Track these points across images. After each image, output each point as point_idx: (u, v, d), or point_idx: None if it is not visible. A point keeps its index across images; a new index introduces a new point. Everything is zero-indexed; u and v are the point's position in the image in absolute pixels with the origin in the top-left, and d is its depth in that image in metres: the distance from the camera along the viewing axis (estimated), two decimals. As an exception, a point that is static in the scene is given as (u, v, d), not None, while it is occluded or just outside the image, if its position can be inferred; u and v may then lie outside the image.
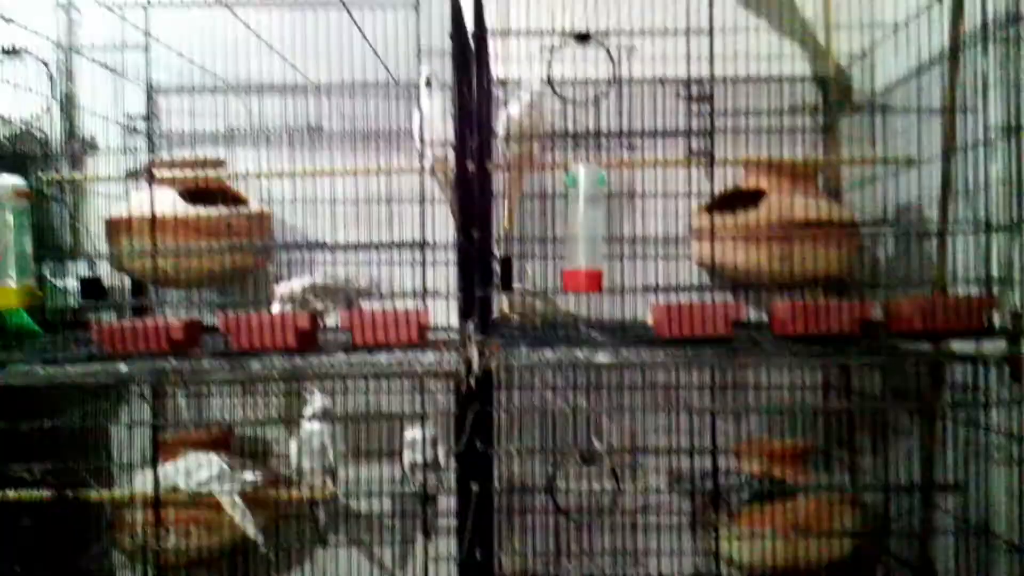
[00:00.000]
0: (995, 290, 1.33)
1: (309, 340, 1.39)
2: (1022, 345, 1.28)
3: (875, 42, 1.73)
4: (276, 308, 1.49)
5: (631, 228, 1.83)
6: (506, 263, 1.33)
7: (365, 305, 1.50)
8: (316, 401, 1.62)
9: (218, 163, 1.76)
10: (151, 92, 1.83)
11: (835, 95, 1.89)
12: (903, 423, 1.68)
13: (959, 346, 1.36)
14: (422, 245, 1.28)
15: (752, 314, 1.75)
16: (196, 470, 1.64)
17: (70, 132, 1.79)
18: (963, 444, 1.43)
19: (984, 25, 1.33)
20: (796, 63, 1.88)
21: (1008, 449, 1.29)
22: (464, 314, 1.35)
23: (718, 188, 1.76)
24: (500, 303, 1.48)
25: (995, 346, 1.31)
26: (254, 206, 1.77)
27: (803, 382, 1.86)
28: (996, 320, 1.31)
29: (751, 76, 1.83)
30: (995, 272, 1.32)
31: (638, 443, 1.81)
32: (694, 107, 1.30)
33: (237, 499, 1.62)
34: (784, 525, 1.62)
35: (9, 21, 1.32)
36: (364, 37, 1.61)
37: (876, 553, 1.74)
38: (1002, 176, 1.31)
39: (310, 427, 1.62)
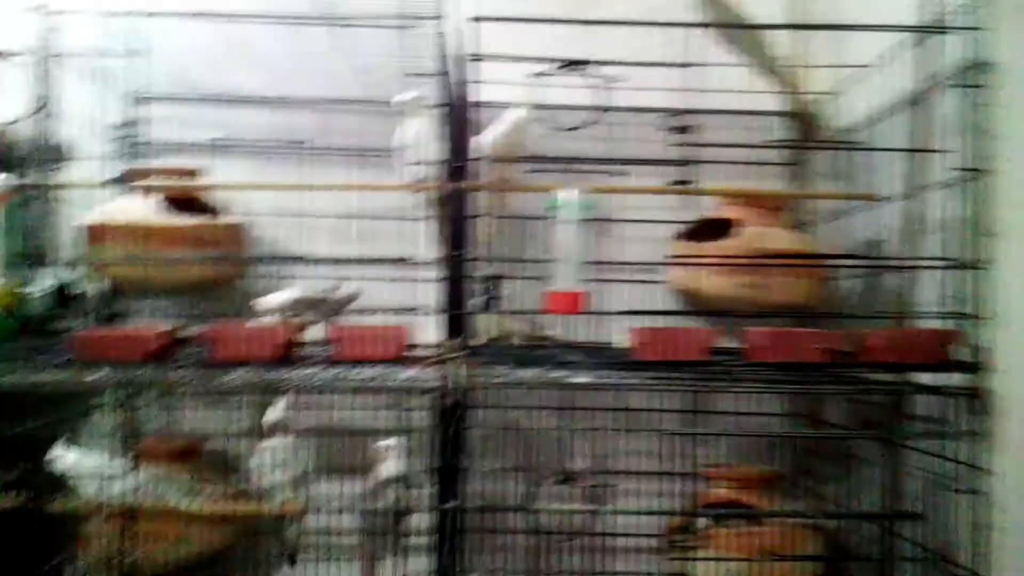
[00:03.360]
0: (959, 324, 1.38)
1: (287, 352, 1.40)
2: (983, 378, 1.33)
3: (845, 81, 1.80)
4: (264, 319, 1.49)
5: (610, 252, 1.86)
6: (490, 282, 1.34)
7: (348, 319, 1.51)
8: (274, 413, 1.61)
9: (194, 173, 1.76)
10: (135, 100, 1.82)
11: (804, 130, 1.95)
12: (868, 452, 1.72)
13: (923, 378, 1.41)
14: (405, 261, 1.30)
15: (726, 341, 1.78)
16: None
17: (51, 137, 1.77)
18: (925, 474, 1.47)
19: (956, 71, 1.39)
20: (769, 99, 1.94)
21: (968, 479, 1.34)
22: (447, 332, 1.37)
23: (693, 216, 1.81)
24: (482, 322, 1.50)
25: (957, 378, 1.36)
26: (230, 217, 1.77)
27: (773, 409, 1.90)
28: (959, 354, 1.36)
29: (727, 109, 1.89)
30: (959, 307, 1.37)
31: (611, 465, 1.83)
32: (675, 137, 1.34)
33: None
34: (749, 550, 1.65)
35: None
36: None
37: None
38: (967, 216, 1.36)
39: (270, 441, 1.61)
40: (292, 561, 1.73)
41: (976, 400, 1.34)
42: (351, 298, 1.56)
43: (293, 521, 1.68)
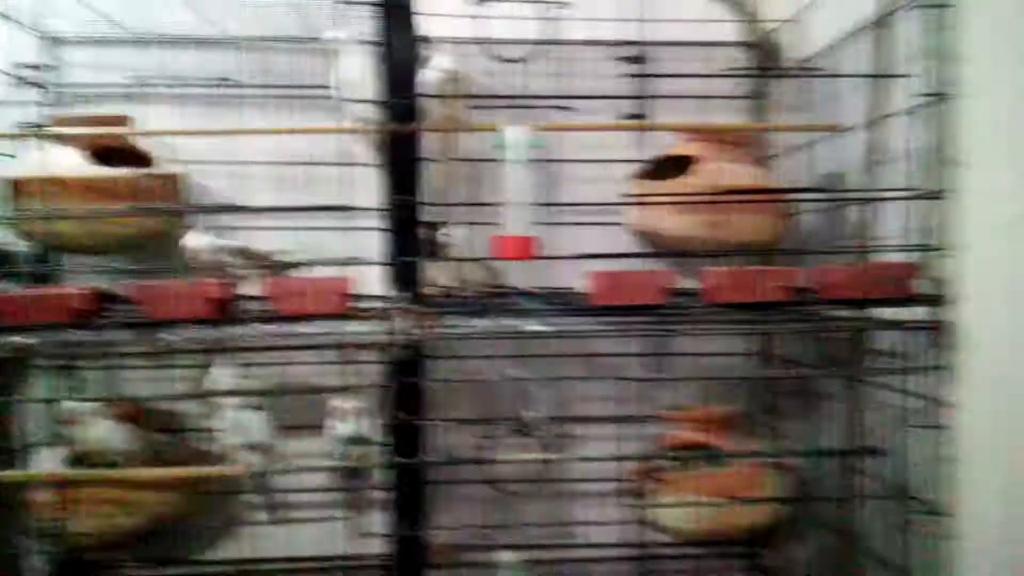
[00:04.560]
0: (922, 257, 1.35)
1: (224, 310, 1.32)
2: (945, 311, 1.30)
3: (804, 7, 1.73)
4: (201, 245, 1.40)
5: (572, 194, 1.80)
6: (435, 228, 1.27)
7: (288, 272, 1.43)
8: (219, 374, 1.54)
9: (123, 120, 1.65)
10: (52, 43, 1.69)
11: (764, 60, 1.88)
12: (830, 389, 1.70)
13: (885, 312, 1.38)
14: (346, 209, 1.22)
15: (684, 283, 1.74)
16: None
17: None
18: (888, 409, 1.45)
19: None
20: (726, 27, 1.86)
21: (931, 414, 1.32)
22: (392, 282, 1.30)
23: (651, 155, 1.74)
24: (432, 271, 1.43)
25: (919, 312, 1.33)
26: (164, 167, 1.66)
27: (734, 350, 1.87)
28: (922, 287, 1.33)
29: (682, 40, 1.81)
30: (923, 239, 1.34)
31: (574, 412, 1.79)
32: (627, 70, 1.26)
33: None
34: (712, 491, 1.63)
35: None
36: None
37: (800, 517, 1.77)
38: (930, 144, 1.31)
39: (223, 402, 1.54)
40: (274, 519, 1.69)
41: (939, 333, 1.31)
42: (298, 260, 1.49)
43: (264, 480, 1.63)
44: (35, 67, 1.36)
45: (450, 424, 1.61)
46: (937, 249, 1.31)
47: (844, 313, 1.39)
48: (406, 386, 1.36)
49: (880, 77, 1.44)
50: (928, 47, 1.31)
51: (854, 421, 1.56)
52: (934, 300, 1.31)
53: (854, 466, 1.56)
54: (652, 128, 1.44)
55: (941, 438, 1.30)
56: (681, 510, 1.64)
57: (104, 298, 1.36)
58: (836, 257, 1.57)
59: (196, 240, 1.42)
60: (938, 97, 1.29)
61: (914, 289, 1.33)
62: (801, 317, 1.33)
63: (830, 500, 1.65)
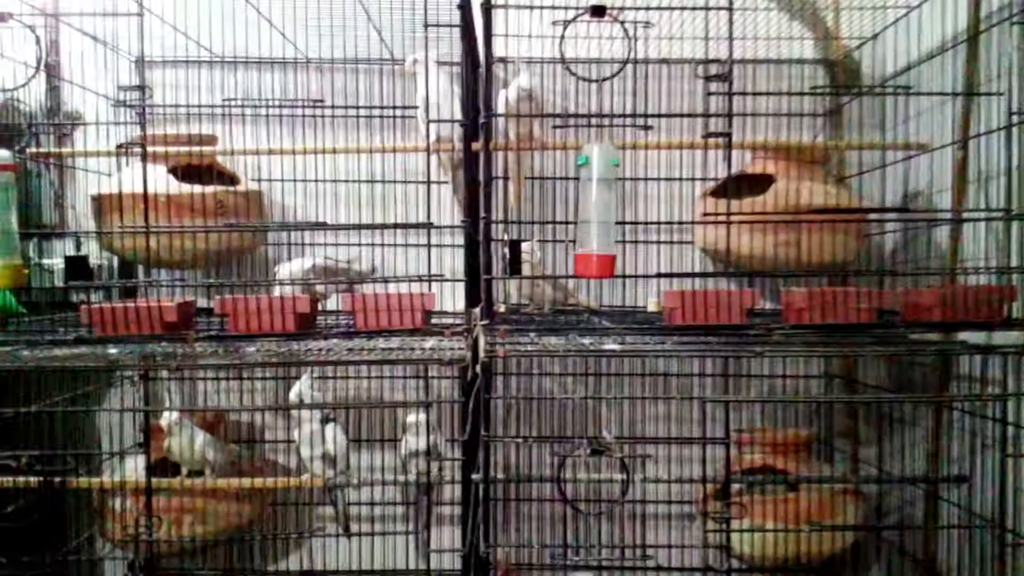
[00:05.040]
0: (1008, 280, 1.31)
1: (308, 324, 1.35)
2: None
3: (884, 25, 1.70)
4: (277, 291, 1.44)
5: (637, 212, 1.79)
6: (514, 247, 1.28)
7: (367, 289, 1.45)
8: (300, 387, 1.57)
9: (211, 139, 1.70)
10: (142, 64, 1.76)
11: (842, 78, 1.85)
12: (909, 413, 1.65)
13: (976, 337, 1.34)
14: (428, 227, 1.23)
15: (763, 302, 1.72)
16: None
17: (56, 105, 1.72)
18: (972, 436, 1.41)
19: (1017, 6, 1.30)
20: (804, 45, 1.84)
21: (1021, 442, 1.27)
22: (470, 299, 1.31)
23: (725, 172, 1.72)
24: (507, 288, 1.44)
25: (1011, 336, 1.29)
26: (247, 185, 1.71)
27: (810, 371, 1.84)
28: (1015, 311, 1.29)
29: (759, 58, 1.80)
30: (1007, 261, 1.30)
31: (643, 432, 1.78)
32: (712, 87, 1.26)
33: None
34: (786, 516, 1.59)
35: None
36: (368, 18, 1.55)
37: (879, 546, 1.72)
38: (1017, 163, 1.28)
39: (302, 415, 1.57)
40: (347, 530, 1.71)
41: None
42: (371, 268, 1.51)
43: (338, 494, 1.65)
44: (131, 89, 1.41)
45: (523, 441, 1.61)
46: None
47: (932, 336, 1.35)
48: (479, 402, 1.37)
49: (971, 95, 1.40)
50: (1021, 64, 1.28)
51: (940, 448, 1.51)
52: (1025, 324, 1.27)
53: (939, 494, 1.51)
54: (733, 147, 1.42)
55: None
56: (755, 535, 1.61)
57: (194, 311, 1.40)
58: (918, 278, 1.53)
59: (287, 269, 1.46)
60: (1027, 116, 1.26)
61: (1008, 313, 1.28)
62: (888, 340, 1.30)
63: (911, 528, 1.60)
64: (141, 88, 1.36)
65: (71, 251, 1.64)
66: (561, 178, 1.76)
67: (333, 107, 1.68)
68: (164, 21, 1.63)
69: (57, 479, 1.54)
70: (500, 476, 1.58)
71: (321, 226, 1.56)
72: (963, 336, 1.35)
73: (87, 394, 1.78)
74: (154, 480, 1.49)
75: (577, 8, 1.21)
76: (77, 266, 1.52)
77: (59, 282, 1.56)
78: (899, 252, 1.70)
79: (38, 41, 1.27)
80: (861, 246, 1.66)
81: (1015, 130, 1.29)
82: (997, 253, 1.33)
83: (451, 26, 1.27)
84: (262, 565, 1.88)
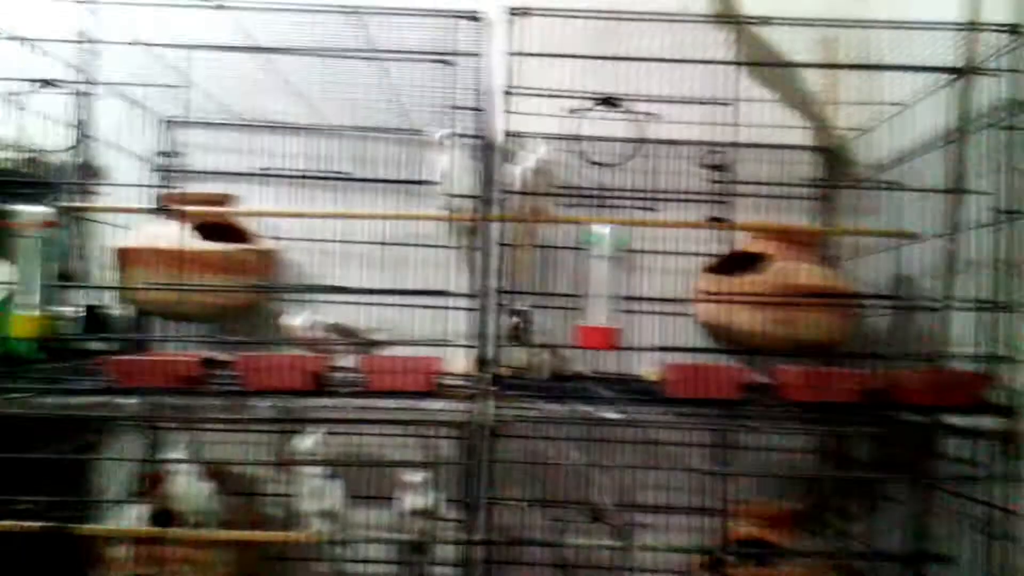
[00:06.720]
0: (990, 367, 1.37)
1: (317, 382, 1.40)
2: (1017, 421, 1.32)
3: (879, 120, 1.80)
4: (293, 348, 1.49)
5: (639, 284, 1.86)
6: (521, 315, 1.34)
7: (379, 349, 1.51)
8: (306, 442, 1.60)
9: (228, 199, 1.77)
10: (171, 126, 1.84)
11: (836, 167, 1.95)
12: (895, 491, 1.70)
13: (957, 420, 1.40)
14: (442, 294, 1.30)
15: (755, 376, 1.77)
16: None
17: (86, 162, 1.79)
18: (953, 516, 1.45)
19: (992, 111, 1.39)
20: (801, 134, 1.94)
21: (1001, 523, 1.32)
22: (476, 362, 1.37)
23: (723, 249, 1.80)
24: (511, 354, 1.50)
25: (991, 421, 1.35)
26: (262, 243, 1.78)
27: (801, 446, 1.88)
28: (993, 397, 1.35)
29: (758, 143, 1.89)
30: (991, 349, 1.36)
31: (635, 500, 1.81)
32: (713, 173, 1.34)
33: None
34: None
35: (45, 54, 1.33)
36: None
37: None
38: (1001, 257, 1.35)
39: (302, 470, 1.60)
40: None
41: (1010, 444, 1.32)
42: (387, 337, 1.56)
43: (334, 548, 1.67)
44: (163, 154, 1.49)
45: (519, 505, 1.64)
46: (1008, 360, 1.33)
47: (916, 418, 1.41)
48: (479, 464, 1.41)
49: (960, 192, 1.49)
50: (1000, 163, 1.36)
51: (921, 526, 1.56)
52: (1006, 411, 1.33)
53: (920, 571, 1.54)
54: (733, 228, 1.50)
55: (1012, 549, 1.30)
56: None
57: (210, 366, 1.45)
58: (901, 362, 1.59)
59: (294, 317, 1.51)
60: (1009, 214, 1.34)
61: (986, 398, 1.35)
62: (874, 419, 1.36)
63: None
64: (171, 153, 1.42)
65: (89, 302, 1.69)
66: (566, 248, 1.83)
67: (363, 179, 1.77)
68: (206, 92, 1.71)
69: (69, 525, 1.56)
70: (499, 537, 1.60)
71: (341, 290, 1.62)
72: (945, 418, 1.41)
73: (94, 443, 1.80)
74: (155, 529, 1.51)
75: (592, 94, 1.29)
76: (94, 317, 1.58)
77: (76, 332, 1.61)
78: (890, 333, 1.76)
79: (75, 108, 1.35)
80: (851, 327, 1.73)
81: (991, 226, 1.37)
82: (985, 339, 1.40)
83: (475, 109, 1.36)
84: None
